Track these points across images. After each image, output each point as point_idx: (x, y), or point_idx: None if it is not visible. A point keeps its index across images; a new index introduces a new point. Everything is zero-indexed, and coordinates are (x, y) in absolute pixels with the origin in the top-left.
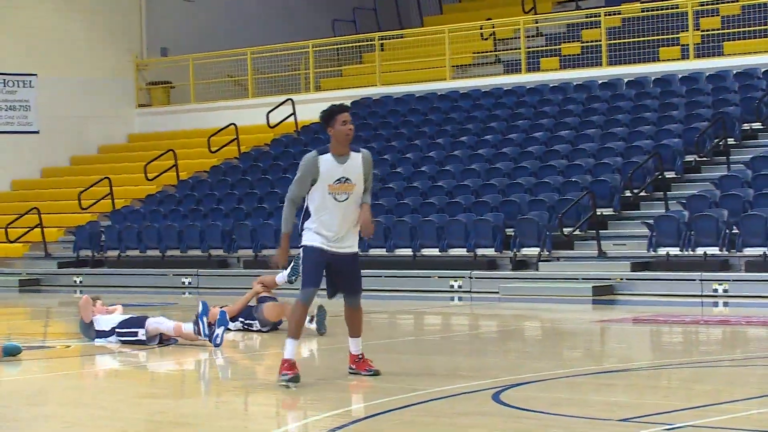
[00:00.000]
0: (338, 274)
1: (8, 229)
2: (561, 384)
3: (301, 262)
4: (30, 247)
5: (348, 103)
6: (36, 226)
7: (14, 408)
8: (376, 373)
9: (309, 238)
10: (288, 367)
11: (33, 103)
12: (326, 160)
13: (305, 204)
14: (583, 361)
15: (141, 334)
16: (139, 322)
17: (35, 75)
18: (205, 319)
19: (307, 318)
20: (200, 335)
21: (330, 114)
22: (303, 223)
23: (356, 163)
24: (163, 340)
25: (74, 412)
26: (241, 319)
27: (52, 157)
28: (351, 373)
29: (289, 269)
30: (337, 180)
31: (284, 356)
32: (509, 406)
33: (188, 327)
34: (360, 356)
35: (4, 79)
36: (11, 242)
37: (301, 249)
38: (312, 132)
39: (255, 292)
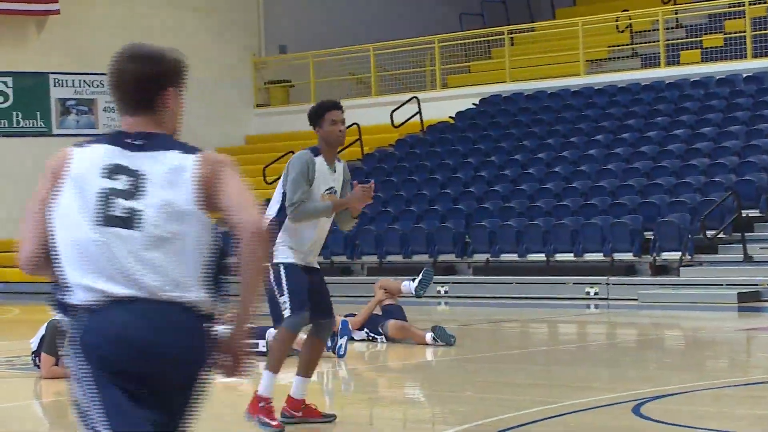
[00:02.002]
0: (315, 298)
1: None
2: (705, 396)
3: (284, 283)
4: None
5: (476, 101)
6: None
7: None
8: (333, 417)
9: (284, 255)
10: (267, 411)
11: None
12: (320, 165)
13: (278, 209)
14: (728, 372)
15: (262, 345)
16: (260, 333)
17: None
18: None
19: (429, 334)
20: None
21: (317, 112)
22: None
23: (341, 172)
24: None
25: (196, 425)
26: (366, 329)
27: None
28: (289, 422)
29: (417, 282)
30: (327, 190)
31: (260, 392)
32: (650, 419)
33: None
34: (305, 403)
35: None
36: None
37: (276, 268)
38: (438, 132)
39: (378, 300)
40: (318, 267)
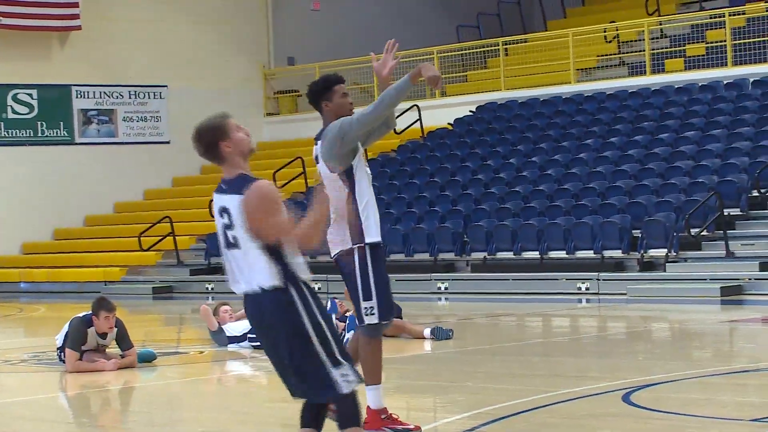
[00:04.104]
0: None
1: (141, 238)
2: (692, 384)
3: (371, 281)
4: (163, 255)
5: (473, 108)
6: (168, 235)
7: (152, 413)
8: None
9: (377, 232)
10: (392, 421)
11: (164, 114)
12: None
13: (347, 190)
14: (713, 361)
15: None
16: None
17: (166, 86)
18: (334, 317)
19: (427, 330)
20: None
21: (326, 84)
22: (357, 215)
23: None
24: None
25: (209, 416)
26: None
27: (183, 167)
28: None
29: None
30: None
31: (374, 407)
32: (640, 407)
33: None
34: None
35: (136, 91)
36: (144, 251)
37: (360, 252)
38: (438, 137)
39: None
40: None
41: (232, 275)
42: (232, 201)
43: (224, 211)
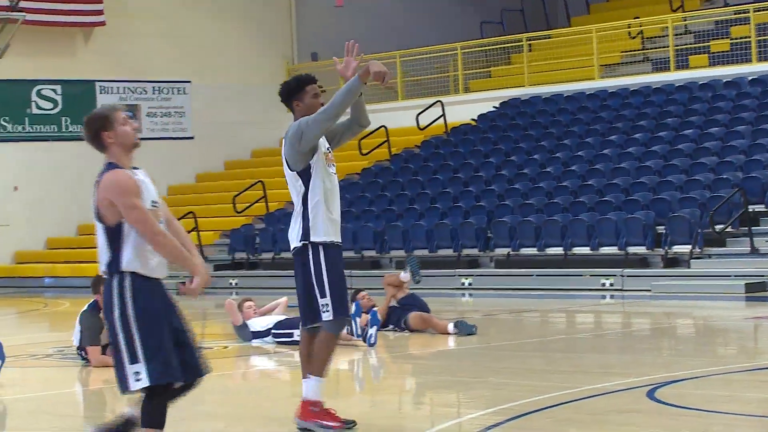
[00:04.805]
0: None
1: None
2: (716, 381)
3: (325, 279)
4: None
5: (497, 104)
6: (192, 230)
7: (175, 407)
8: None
9: (325, 231)
10: (324, 414)
11: (187, 110)
12: None
13: (303, 189)
14: (738, 358)
15: (296, 335)
16: (295, 323)
17: (189, 82)
18: (358, 320)
19: (451, 324)
20: (353, 335)
21: (299, 84)
22: (305, 214)
23: None
24: None
25: (233, 411)
26: (391, 325)
27: (207, 162)
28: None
29: (408, 271)
30: (327, 148)
31: (310, 397)
32: (664, 403)
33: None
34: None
35: (159, 87)
36: None
37: (314, 250)
38: (461, 133)
39: (390, 296)
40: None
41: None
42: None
43: None
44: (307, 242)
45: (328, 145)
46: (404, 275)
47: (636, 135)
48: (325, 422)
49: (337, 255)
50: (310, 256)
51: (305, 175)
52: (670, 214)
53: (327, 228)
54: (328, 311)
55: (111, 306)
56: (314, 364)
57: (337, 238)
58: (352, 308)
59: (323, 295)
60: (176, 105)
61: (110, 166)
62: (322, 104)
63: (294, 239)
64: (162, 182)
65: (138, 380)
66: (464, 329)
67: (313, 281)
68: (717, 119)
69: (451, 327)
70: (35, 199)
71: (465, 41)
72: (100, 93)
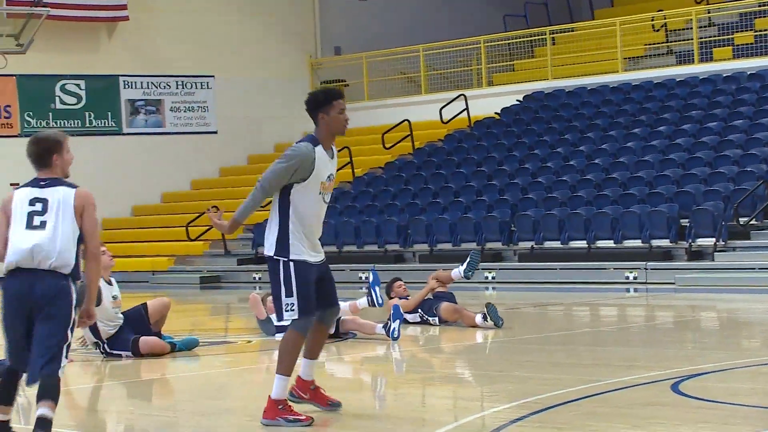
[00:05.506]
0: (321, 286)
1: (189, 228)
2: (741, 374)
3: (293, 283)
4: (210, 245)
5: (520, 97)
6: None
7: (198, 402)
8: (339, 405)
9: (296, 251)
10: (289, 411)
11: (211, 104)
12: (320, 153)
13: (280, 206)
14: (762, 350)
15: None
16: None
17: (212, 76)
18: (377, 289)
19: (479, 316)
20: (374, 304)
21: (327, 98)
22: (279, 231)
23: (337, 157)
24: (341, 333)
25: (257, 405)
26: (421, 311)
27: (230, 157)
28: (295, 401)
29: (465, 265)
30: (328, 177)
31: (275, 396)
32: (689, 396)
33: (362, 302)
34: (314, 384)
35: (183, 81)
36: (192, 240)
37: (286, 265)
38: (485, 127)
39: (430, 288)
40: (325, 259)
41: (30, 253)
42: (55, 193)
43: (38, 201)
44: (279, 258)
45: (331, 173)
46: (456, 273)
47: (660, 128)
48: (289, 417)
49: (308, 267)
50: (281, 269)
51: (284, 193)
52: (694, 206)
53: (301, 248)
54: (293, 310)
55: None
56: (279, 362)
57: (311, 258)
58: (371, 276)
59: (289, 294)
60: (200, 99)
61: (66, 182)
62: (347, 120)
63: (268, 248)
64: (186, 177)
65: None
66: (493, 315)
67: (281, 284)
68: (741, 112)
69: (479, 319)
70: None
71: (488, 35)
72: (124, 88)
